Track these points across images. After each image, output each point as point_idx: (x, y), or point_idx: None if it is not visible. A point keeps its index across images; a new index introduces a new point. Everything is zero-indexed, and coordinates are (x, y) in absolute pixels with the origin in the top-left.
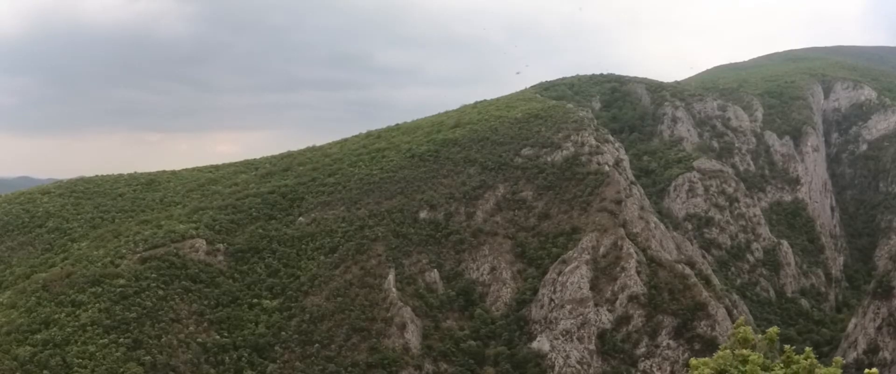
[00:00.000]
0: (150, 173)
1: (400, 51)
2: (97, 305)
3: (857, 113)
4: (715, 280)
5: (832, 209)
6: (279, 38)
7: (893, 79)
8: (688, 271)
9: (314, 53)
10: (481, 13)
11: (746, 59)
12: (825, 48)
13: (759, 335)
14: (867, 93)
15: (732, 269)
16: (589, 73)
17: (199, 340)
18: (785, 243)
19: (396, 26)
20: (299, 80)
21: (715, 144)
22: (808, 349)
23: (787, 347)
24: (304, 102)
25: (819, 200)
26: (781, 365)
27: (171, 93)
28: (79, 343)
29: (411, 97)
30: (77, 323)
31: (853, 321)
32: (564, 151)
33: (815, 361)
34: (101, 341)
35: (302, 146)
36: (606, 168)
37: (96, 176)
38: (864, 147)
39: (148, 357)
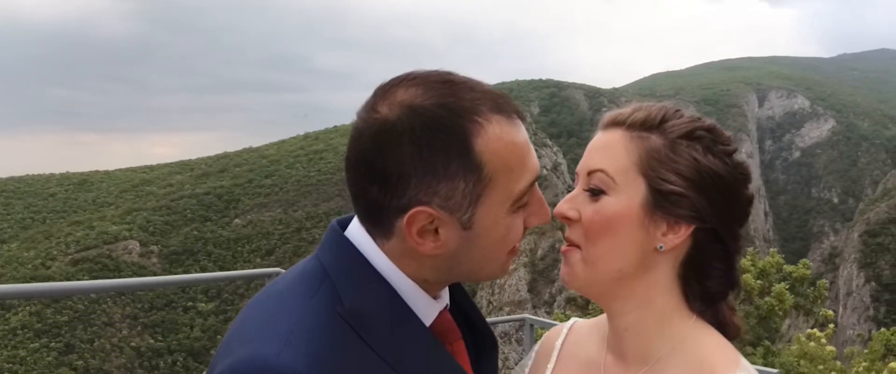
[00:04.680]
0: (82, 173)
1: (339, 54)
2: (27, 308)
3: (791, 121)
4: None
5: (766, 214)
6: (216, 39)
7: (826, 88)
8: None
9: (252, 55)
10: (420, 18)
11: (683, 67)
12: (760, 58)
13: None
14: (801, 102)
15: None
16: (528, 78)
17: (133, 344)
18: None
19: (335, 29)
20: (237, 82)
21: None
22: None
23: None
24: (243, 105)
25: (753, 205)
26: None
27: (106, 93)
28: (9, 348)
29: (350, 100)
30: (7, 327)
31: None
32: None
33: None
34: (31, 345)
35: (240, 148)
36: (544, 172)
37: (27, 175)
38: (797, 154)
39: (80, 362)
